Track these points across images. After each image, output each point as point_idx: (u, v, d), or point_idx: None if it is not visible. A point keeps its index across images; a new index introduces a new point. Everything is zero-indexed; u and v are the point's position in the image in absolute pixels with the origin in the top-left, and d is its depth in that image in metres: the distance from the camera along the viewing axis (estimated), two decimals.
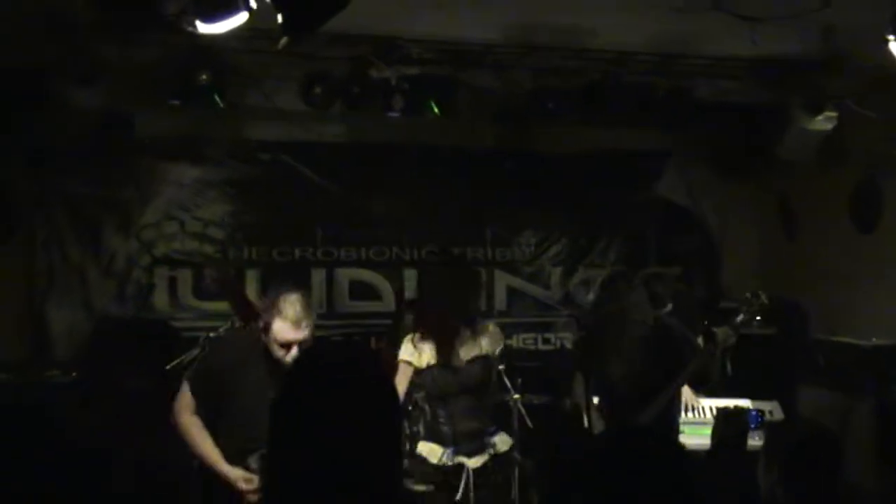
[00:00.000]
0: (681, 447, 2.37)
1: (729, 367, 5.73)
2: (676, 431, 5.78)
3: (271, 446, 2.11)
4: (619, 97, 6.94)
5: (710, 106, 7.18)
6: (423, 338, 5.23)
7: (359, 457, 2.02)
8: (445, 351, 5.18)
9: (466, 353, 5.21)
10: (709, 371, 5.51)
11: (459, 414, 5.17)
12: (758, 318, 5.63)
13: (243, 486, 4.35)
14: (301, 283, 7.58)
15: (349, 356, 2.23)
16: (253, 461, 4.37)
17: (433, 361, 5.19)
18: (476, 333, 5.27)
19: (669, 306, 5.81)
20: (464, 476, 5.09)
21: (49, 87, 6.15)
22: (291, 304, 4.39)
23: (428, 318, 5.32)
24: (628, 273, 6.95)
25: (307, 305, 4.46)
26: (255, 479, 4.30)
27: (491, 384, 5.34)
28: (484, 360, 5.25)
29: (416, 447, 5.25)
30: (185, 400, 4.54)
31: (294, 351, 4.36)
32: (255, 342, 4.52)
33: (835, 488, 3.30)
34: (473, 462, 5.14)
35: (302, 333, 4.38)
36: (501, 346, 5.39)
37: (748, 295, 5.73)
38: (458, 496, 5.05)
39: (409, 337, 5.30)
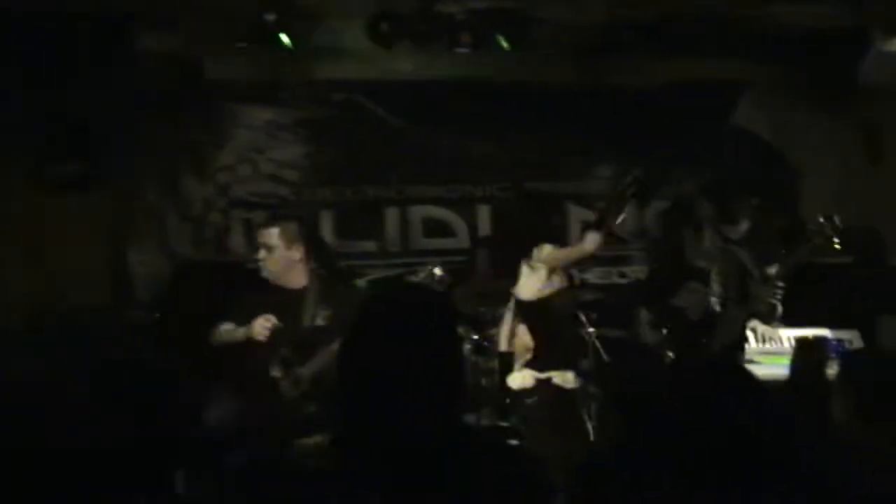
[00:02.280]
0: (753, 376, 2.35)
1: (780, 308, 5.69)
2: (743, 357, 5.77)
3: (340, 385, 2.16)
4: (694, 27, 6.80)
5: (787, 33, 6.99)
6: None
7: (420, 397, 2.07)
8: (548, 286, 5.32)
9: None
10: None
11: (559, 341, 5.52)
12: (834, 241, 5.51)
13: (263, 328, 4.71)
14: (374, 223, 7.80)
15: (417, 301, 2.26)
16: (275, 368, 4.79)
17: (546, 292, 5.45)
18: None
19: (745, 224, 5.73)
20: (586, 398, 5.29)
21: (122, 33, 6.23)
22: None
23: None
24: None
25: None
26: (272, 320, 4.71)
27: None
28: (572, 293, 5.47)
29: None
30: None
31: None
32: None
33: None
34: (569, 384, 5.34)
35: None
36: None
37: (821, 219, 5.62)
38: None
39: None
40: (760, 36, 6.91)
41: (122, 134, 7.09)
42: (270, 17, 6.33)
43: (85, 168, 6.99)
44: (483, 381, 6.20)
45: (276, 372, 4.77)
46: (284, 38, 6.50)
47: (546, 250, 5.60)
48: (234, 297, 5.23)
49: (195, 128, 7.29)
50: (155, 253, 7.21)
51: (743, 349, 5.84)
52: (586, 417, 5.26)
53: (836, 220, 5.71)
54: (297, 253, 5.07)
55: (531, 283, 5.23)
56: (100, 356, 2.39)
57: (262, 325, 4.71)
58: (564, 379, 5.22)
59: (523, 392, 5.35)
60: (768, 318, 5.85)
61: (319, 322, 4.93)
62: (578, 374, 5.38)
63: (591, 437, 5.47)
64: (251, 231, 7.45)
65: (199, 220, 7.39)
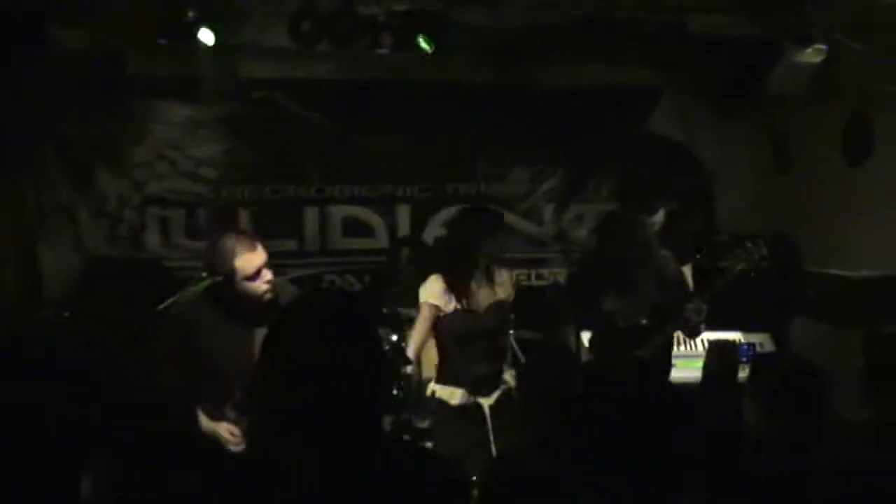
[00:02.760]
0: (669, 383, 2.41)
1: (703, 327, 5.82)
2: (669, 369, 5.86)
3: (257, 395, 2.16)
4: (611, 32, 6.89)
5: (702, 40, 7.12)
6: (451, 282, 5.14)
7: (340, 403, 2.07)
8: (469, 296, 5.16)
9: (486, 298, 5.21)
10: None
11: (477, 357, 5.17)
12: (762, 262, 5.63)
13: (228, 437, 4.29)
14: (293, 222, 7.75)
15: (334, 306, 2.27)
16: (229, 411, 4.36)
17: (459, 306, 5.14)
18: (493, 279, 5.28)
19: (660, 213, 5.84)
20: (485, 414, 5.13)
21: (39, 27, 6.11)
22: (232, 239, 4.33)
23: (458, 262, 5.19)
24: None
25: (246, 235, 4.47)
26: (237, 430, 4.27)
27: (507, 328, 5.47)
28: (501, 305, 5.27)
29: (428, 390, 5.29)
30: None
31: (267, 275, 4.32)
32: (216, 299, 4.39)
33: (820, 421, 3.33)
34: (488, 400, 5.17)
35: (261, 256, 4.33)
36: (512, 292, 5.40)
37: (749, 244, 5.73)
38: (489, 434, 5.09)
39: (434, 279, 5.17)
40: (675, 43, 7.02)
41: (37, 129, 6.96)
42: (192, 13, 6.26)
43: None
44: (401, 383, 6.22)
45: (230, 414, 4.35)
46: (205, 34, 6.44)
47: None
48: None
49: (112, 123, 7.17)
50: (67, 250, 7.08)
51: (669, 357, 5.96)
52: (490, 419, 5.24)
53: (762, 244, 5.83)
54: None
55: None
56: (9, 354, 2.36)
57: (230, 434, 4.29)
58: (451, 394, 5.17)
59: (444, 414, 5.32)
60: (692, 334, 5.98)
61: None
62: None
63: (505, 439, 5.50)
64: (167, 229, 7.39)
65: (114, 216, 7.27)
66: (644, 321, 5.77)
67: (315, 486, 2.03)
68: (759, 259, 5.60)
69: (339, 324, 2.17)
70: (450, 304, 5.13)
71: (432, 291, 5.14)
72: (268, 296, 4.36)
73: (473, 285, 5.16)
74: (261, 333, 4.24)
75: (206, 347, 4.35)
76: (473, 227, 5.21)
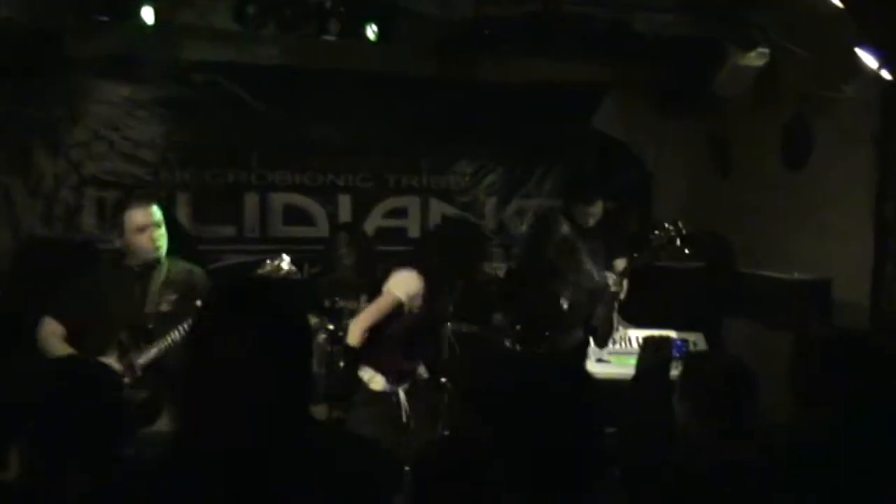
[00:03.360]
0: (586, 374, 2.42)
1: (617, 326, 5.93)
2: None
3: (185, 378, 2.13)
4: (559, 28, 6.92)
5: (648, 40, 7.17)
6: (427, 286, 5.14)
7: (266, 389, 2.05)
8: (436, 305, 5.22)
9: (443, 305, 5.35)
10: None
11: (413, 354, 5.26)
12: (677, 245, 5.75)
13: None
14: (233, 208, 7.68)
15: (260, 292, 2.25)
16: (111, 350, 4.61)
17: (417, 305, 5.12)
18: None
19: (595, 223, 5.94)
20: (401, 402, 5.18)
21: None
22: (136, 194, 5.18)
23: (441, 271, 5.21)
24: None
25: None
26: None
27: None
28: (445, 307, 5.44)
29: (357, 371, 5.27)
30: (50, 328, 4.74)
31: (153, 233, 4.77)
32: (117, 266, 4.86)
33: (748, 420, 3.37)
34: (403, 386, 5.22)
35: (154, 216, 4.81)
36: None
37: (666, 224, 5.86)
38: (403, 419, 5.16)
39: (412, 277, 5.13)
40: (621, 41, 7.07)
41: None
42: None
43: None
44: (337, 372, 6.20)
45: (110, 356, 4.59)
46: (147, 13, 6.34)
47: None
48: (78, 275, 5.04)
49: (49, 102, 7.03)
50: (2, 229, 6.94)
51: (585, 349, 6.06)
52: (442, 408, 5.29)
53: (680, 225, 5.95)
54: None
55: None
56: None
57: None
58: (372, 379, 5.19)
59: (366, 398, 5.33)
60: (603, 338, 6.10)
61: (164, 307, 4.78)
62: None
63: (439, 430, 5.52)
64: (104, 209, 7.27)
65: (50, 196, 7.14)
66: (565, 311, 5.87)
67: (243, 473, 2.00)
68: (675, 238, 5.71)
69: (264, 307, 2.15)
70: (414, 305, 5.10)
71: (408, 288, 5.09)
72: (151, 255, 4.78)
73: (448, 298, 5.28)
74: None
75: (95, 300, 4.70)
76: (464, 243, 5.30)
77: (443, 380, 6.02)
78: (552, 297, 5.93)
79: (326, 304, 6.54)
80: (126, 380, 4.53)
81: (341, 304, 6.58)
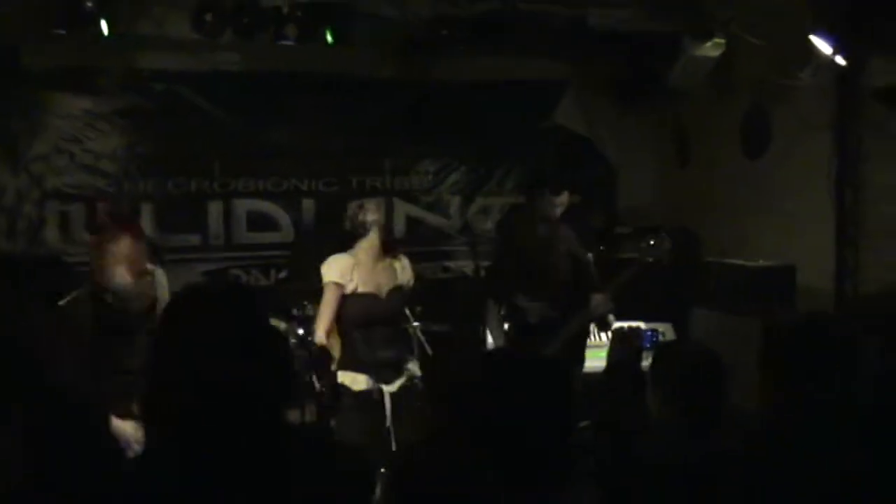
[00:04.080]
0: (563, 371, 2.44)
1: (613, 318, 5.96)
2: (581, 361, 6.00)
3: (149, 386, 2.11)
4: (516, 25, 6.94)
5: (605, 35, 7.21)
6: (356, 263, 5.21)
7: (241, 394, 2.05)
8: (373, 279, 5.21)
9: (388, 282, 5.28)
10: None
11: (379, 342, 5.21)
12: (667, 257, 5.78)
13: (135, 433, 4.22)
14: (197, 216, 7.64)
15: (225, 294, 2.24)
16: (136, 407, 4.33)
17: (361, 289, 5.19)
18: (394, 263, 5.36)
19: (564, 194, 5.95)
20: (386, 400, 5.18)
21: None
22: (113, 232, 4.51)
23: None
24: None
25: None
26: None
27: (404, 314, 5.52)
28: (401, 290, 5.36)
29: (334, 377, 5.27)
30: None
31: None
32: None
33: (720, 408, 3.40)
34: (390, 387, 5.22)
35: None
36: (411, 278, 5.48)
37: (652, 239, 5.87)
38: (387, 422, 5.14)
39: (336, 258, 5.24)
40: (579, 37, 7.11)
41: None
42: (90, 2, 6.11)
43: None
44: (307, 377, 6.18)
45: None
46: (104, 25, 6.29)
47: None
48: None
49: (7, 115, 6.98)
50: None
51: (582, 350, 6.06)
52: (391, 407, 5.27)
53: (665, 235, 5.98)
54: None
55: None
56: None
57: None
58: (354, 380, 5.19)
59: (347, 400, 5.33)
60: (603, 327, 6.11)
61: None
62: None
63: (406, 428, 5.52)
64: (67, 223, 7.22)
65: (12, 211, 7.08)
66: (553, 314, 5.88)
67: (216, 481, 2.00)
68: (667, 250, 5.75)
69: (230, 310, 2.13)
70: (350, 284, 5.17)
71: (335, 270, 5.19)
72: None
73: (375, 267, 5.22)
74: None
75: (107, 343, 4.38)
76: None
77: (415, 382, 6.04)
78: (531, 297, 5.95)
79: (295, 311, 6.52)
80: None
81: (310, 310, 6.56)
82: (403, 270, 5.38)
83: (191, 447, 2.02)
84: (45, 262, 6.76)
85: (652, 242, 5.93)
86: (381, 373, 5.20)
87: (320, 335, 5.21)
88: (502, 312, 6.10)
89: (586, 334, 6.33)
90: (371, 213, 5.31)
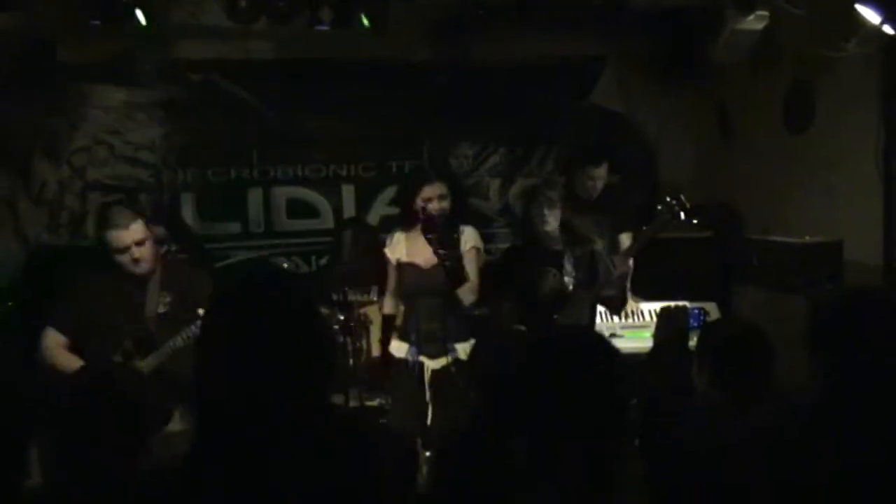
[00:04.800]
0: (609, 345, 2.40)
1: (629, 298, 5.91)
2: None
3: (196, 373, 2.11)
4: (552, 3, 6.88)
5: (644, 10, 7.12)
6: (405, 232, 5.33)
7: (283, 383, 2.04)
8: (419, 251, 5.22)
9: (433, 256, 5.14)
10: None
11: (423, 314, 5.19)
12: (679, 218, 5.75)
13: None
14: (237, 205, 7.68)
15: (269, 282, 2.22)
16: (117, 357, 4.58)
17: (405, 259, 5.28)
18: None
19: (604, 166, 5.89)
20: (426, 375, 5.17)
21: None
22: (114, 212, 4.81)
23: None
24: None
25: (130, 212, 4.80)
26: None
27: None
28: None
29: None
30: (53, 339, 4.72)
31: (136, 253, 4.63)
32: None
33: (765, 385, 3.36)
34: (433, 363, 5.18)
35: (133, 235, 4.64)
36: (472, 248, 5.32)
37: (668, 199, 5.84)
38: (426, 396, 5.13)
39: (395, 233, 5.41)
40: (616, 13, 7.01)
41: None
42: None
43: None
44: (351, 362, 6.19)
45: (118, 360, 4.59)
46: (140, 15, 6.32)
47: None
48: (75, 283, 4.96)
49: (47, 109, 7.05)
50: (7, 239, 6.95)
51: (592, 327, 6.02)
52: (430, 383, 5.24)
53: (683, 198, 5.93)
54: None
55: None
56: None
57: None
58: (399, 348, 5.26)
59: (392, 369, 5.33)
60: (617, 308, 6.07)
61: (161, 309, 4.74)
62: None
63: (454, 413, 5.49)
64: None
65: (54, 204, 7.15)
66: (567, 292, 5.85)
67: (261, 464, 1.99)
68: (678, 212, 5.70)
69: (276, 298, 2.13)
70: (394, 255, 5.32)
71: (389, 244, 5.37)
72: (138, 270, 4.68)
73: (420, 239, 5.15)
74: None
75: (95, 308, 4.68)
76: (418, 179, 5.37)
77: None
78: (554, 275, 5.92)
79: (336, 296, 6.52)
80: None
81: (351, 295, 6.56)
82: (464, 244, 5.25)
83: (235, 431, 2.02)
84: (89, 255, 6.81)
85: (663, 207, 5.93)
86: (425, 346, 5.18)
87: (386, 307, 5.50)
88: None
89: (593, 317, 6.30)
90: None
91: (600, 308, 6.34)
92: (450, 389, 5.05)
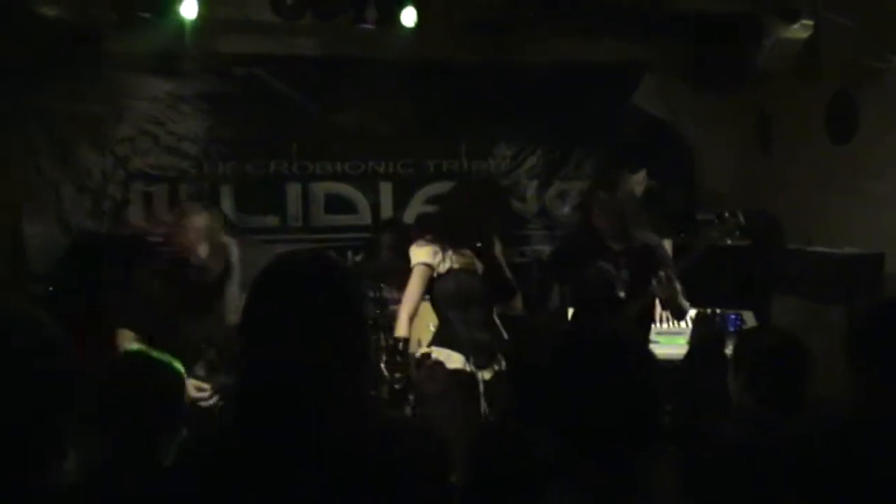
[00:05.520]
0: (644, 348, 2.40)
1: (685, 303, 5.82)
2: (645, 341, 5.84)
3: (241, 356, 2.13)
4: (596, 6, 6.87)
5: (687, 16, 7.11)
6: (443, 243, 5.02)
7: (324, 368, 2.05)
8: (468, 256, 5.04)
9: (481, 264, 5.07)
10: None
11: (476, 324, 5.02)
12: (735, 235, 5.68)
13: (196, 394, 4.47)
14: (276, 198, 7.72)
15: (315, 267, 2.24)
16: (199, 368, 4.55)
17: (456, 266, 5.00)
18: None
19: (642, 172, 5.84)
20: (479, 386, 4.98)
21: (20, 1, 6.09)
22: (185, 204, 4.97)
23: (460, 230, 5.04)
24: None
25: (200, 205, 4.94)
26: (206, 385, 4.51)
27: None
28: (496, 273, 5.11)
29: (419, 351, 5.12)
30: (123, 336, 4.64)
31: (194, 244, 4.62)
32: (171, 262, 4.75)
33: (801, 394, 3.35)
34: (484, 373, 5.03)
35: (196, 224, 4.67)
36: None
37: (726, 214, 5.76)
38: (482, 407, 4.96)
39: (424, 239, 5.07)
40: (661, 17, 7.00)
41: (17, 106, 6.91)
42: None
43: None
44: (383, 358, 6.22)
45: (199, 371, 4.56)
46: (187, 8, 6.39)
47: None
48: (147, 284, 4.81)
49: (93, 98, 7.13)
50: (51, 225, 7.05)
51: (648, 330, 5.95)
52: (484, 394, 5.18)
53: (741, 216, 5.86)
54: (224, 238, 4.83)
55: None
56: None
57: (198, 390, 4.49)
58: (449, 357, 5.07)
59: (423, 367, 5.29)
60: (677, 314, 5.94)
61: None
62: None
63: (489, 413, 5.49)
64: (151, 204, 7.36)
65: (97, 192, 7.24)
66: (622, 294, 5.79)
67: (293, 453, 2.01)
68: (735, 227, 5.62)
69: (319, 282, 2.14)
70: (443, 265, 5.01)
71: (424, 252, 5.02)
72: (198, 263, 4.65)
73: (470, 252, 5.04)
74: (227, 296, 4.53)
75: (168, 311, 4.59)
76: (479, 196, 5.12)
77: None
78: (605, 279, 5.88)
79: (371, 293, 6.55)
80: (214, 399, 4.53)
81: (386, 292, 6.60)
82: (497, 249, 5.15)
83: (271, 420, 2.04)
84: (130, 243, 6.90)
85: (719, 221, 5.84)
86: (478, 357, 5.00)
87: (403, 320, 5.00)
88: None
89: (649, 318, 6.19)
90: None
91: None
92: (502, 399, 5.00)
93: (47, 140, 7.06)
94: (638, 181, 6.20)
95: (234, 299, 4.68)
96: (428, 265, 5.01)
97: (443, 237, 5.03)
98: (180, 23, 6.53)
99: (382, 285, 6.67)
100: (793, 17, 6.39)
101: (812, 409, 3.28)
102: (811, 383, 3.39)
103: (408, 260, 5.12)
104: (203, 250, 4.65)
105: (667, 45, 7.84)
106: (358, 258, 7.57)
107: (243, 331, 2.13)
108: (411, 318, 5.01)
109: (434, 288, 5.07)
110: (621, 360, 2.26)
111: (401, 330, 4.98)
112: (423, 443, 2.24)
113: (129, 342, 4.54)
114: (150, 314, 4.58)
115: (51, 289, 6.46)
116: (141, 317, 4.60)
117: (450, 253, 5.02)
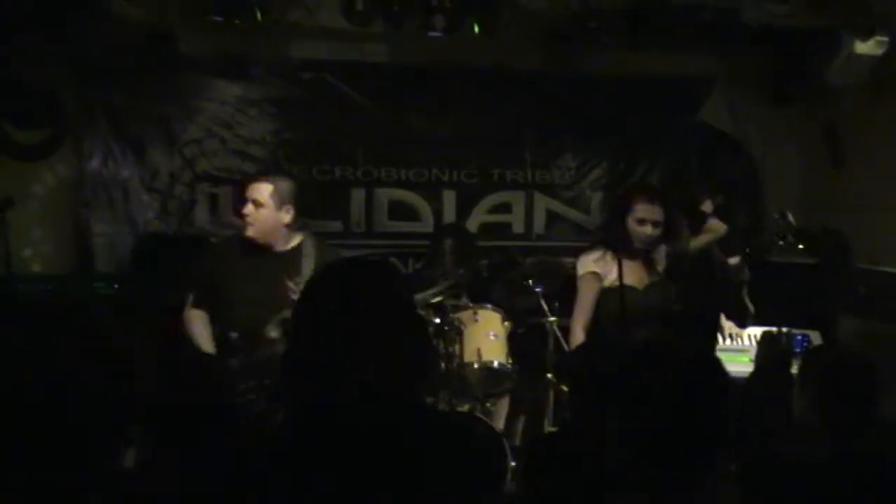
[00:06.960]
0: (716, 364, 2.38)
1: (749, 304, 5.71)
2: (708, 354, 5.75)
3: (289, 354, 2.14)
4: (665, 20, 6.83)
5: (757, 30, 7.03)
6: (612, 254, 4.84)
7: (379, 371, 2.06)
8: (633, 271, 4.88)
9: (646, 276, 4.98)
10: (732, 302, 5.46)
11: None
12: (785, 238, 5.59)
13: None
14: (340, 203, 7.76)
15: (369, 272, 2.25)
16: (272, 329, 4.60)
17: (617, 280, 4.78)
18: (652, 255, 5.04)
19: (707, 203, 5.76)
20: None
21: (95, 2, 6.20)
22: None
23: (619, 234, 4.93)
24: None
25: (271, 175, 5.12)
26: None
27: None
28: (661, 284, 5.03)
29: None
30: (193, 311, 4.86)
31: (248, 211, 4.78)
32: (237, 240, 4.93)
33: (868, 415, 3.29)
34: None
35: (254, 193, 4.81)
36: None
37: (775, 215, 5.70)
38: None
39: (594, 250, 4.99)
40: (731, 31, 6.94)
41: (90, 104, 7.03)
42: None
43: (51, 137, 6.96)
44: (443, 365, 6.22)
45: (273, 333, 4.59)
46: (258, 12, 6.46)
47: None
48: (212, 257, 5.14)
49: (164, 100, 7.23)
50: (119, 224, 7.15)
51: (713, 343, 5.88)
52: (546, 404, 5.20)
53: (790, 216, 5.78)
54: (286, 216, 4.87)
55: None
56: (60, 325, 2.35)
57: None
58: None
59: (482, 374, 5.28)
60: (742, 318, 5.83)
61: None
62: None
63: (548, 419, 5.47)
64: (217, 205, 7.44)
65: (165, 192, 7.33)
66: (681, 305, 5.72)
67: (352, 462, 2.01)
68: (784, 231, 5.53)
69: (375, 286, 2.14)
70: (610, 276, 4.87)
71: (592, 260, 4.93)
72: (247, 233, 4.81)
73: (633, 257, 4.91)
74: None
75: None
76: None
77: (548, 376, 6.00)
78: (666, 291, 5.82)
79: (432, 299, 6.55)
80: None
81: (446, 300, 6.59)
82: (661, 263, 5.05)
83: (325, 417, 2.04)
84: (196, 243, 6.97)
85: (776, 218, 5.75)
86: None
87: (578, 331, 4.90)
88: None
89: (714, 331, 6.08)
90: None
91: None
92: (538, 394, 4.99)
93: (118, 138, 7.16)
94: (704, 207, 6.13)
95: (307, 269, 4.75)
96: (596, 273, 4.92)
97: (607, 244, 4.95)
98: (251, 26, 6.60)
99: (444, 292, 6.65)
100: (867, 33, 6.29)
101: (879, 429, 3.22)
102: (878, 403, 3.33)
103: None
104: (256, 221, 4.80)
105: (738, 59, 7.76)
106: (419, 265, 7.59)
107: (292, 335, 2.15)
108: (585, 330, 4.91)
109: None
110: (704, 377, 2.24)
111: (579, 336, 4.90)
112: (482, 442, 2.24)
113: (202, 323, 4.80)
114: (214, 289, 4.79)
115: (116, 286, 6.54)
116: (203, 291, 4.85)
117: (614, 264, 4.80)
